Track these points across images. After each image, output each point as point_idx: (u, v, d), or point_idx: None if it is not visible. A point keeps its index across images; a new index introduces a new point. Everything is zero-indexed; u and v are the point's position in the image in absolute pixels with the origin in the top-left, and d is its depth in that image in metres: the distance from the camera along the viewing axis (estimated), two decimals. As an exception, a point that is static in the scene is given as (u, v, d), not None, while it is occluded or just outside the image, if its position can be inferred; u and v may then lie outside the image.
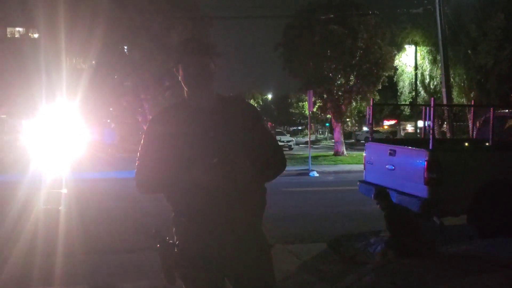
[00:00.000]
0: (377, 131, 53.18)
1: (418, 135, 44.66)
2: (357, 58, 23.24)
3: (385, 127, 64.35)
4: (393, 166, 7.74)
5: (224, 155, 2.18)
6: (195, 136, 2.27)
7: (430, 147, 7.03)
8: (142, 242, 7.29)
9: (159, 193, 2.38)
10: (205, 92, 2.34)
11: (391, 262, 5.74)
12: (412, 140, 9.24)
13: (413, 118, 52.46)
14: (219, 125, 2.32)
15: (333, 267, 6.10)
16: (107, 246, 7.26)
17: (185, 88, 2.35)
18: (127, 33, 19.86)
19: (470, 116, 22.30)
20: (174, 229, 2.39)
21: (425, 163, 6.83)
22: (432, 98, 7.36)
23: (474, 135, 9.73)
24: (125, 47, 21.30)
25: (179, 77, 2.34)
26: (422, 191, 6.91)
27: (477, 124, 10.56)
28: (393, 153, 7.79)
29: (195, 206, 2.25)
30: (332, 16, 22.69)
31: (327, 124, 46.37)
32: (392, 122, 60.82)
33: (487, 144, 7.85)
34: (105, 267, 6.15)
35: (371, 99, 9.67)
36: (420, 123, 43.87)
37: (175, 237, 2.36)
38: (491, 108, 7.71)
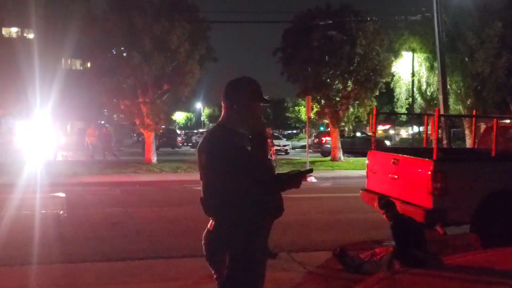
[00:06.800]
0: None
1: (410, 141, 44.86)
2: (355, 64, 23.24)
3: (379, 132, 64.55)
4: (397, 175, 7.75)
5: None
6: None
7: (434, 157, 7.05)
8: (137, 251, 7.26)
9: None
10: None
11: (398, 272, 5.75)
12: (414, 149, 9.24)
13: (408, 124, 52.70)
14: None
15: (339, 276, 6.11)
16: (105, 252, 7.22)
17: (239, 117, 2.95)
18: (127, 35, 19.76)
19: (466, 124, 22.43)
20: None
21: (430, 173, 6.85)
22: (437, 110, 7.41)
23: (476, 145, 9.75)
24: (122, 49, 21.14)
25: (236, 106, 2.96)
26: (426, 201, 6.93)
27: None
28: (396, 162, 7.80)
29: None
30: (330, 22, 22.74)
31: (321, 128, 46.28)
32: (386, 127, 61.00)
33: (490, 154, 7.87)
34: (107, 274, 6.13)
35: (374, 107, 9.64)
36: (416, 129, 44.05)
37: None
38: (495, 120, 7.75)
